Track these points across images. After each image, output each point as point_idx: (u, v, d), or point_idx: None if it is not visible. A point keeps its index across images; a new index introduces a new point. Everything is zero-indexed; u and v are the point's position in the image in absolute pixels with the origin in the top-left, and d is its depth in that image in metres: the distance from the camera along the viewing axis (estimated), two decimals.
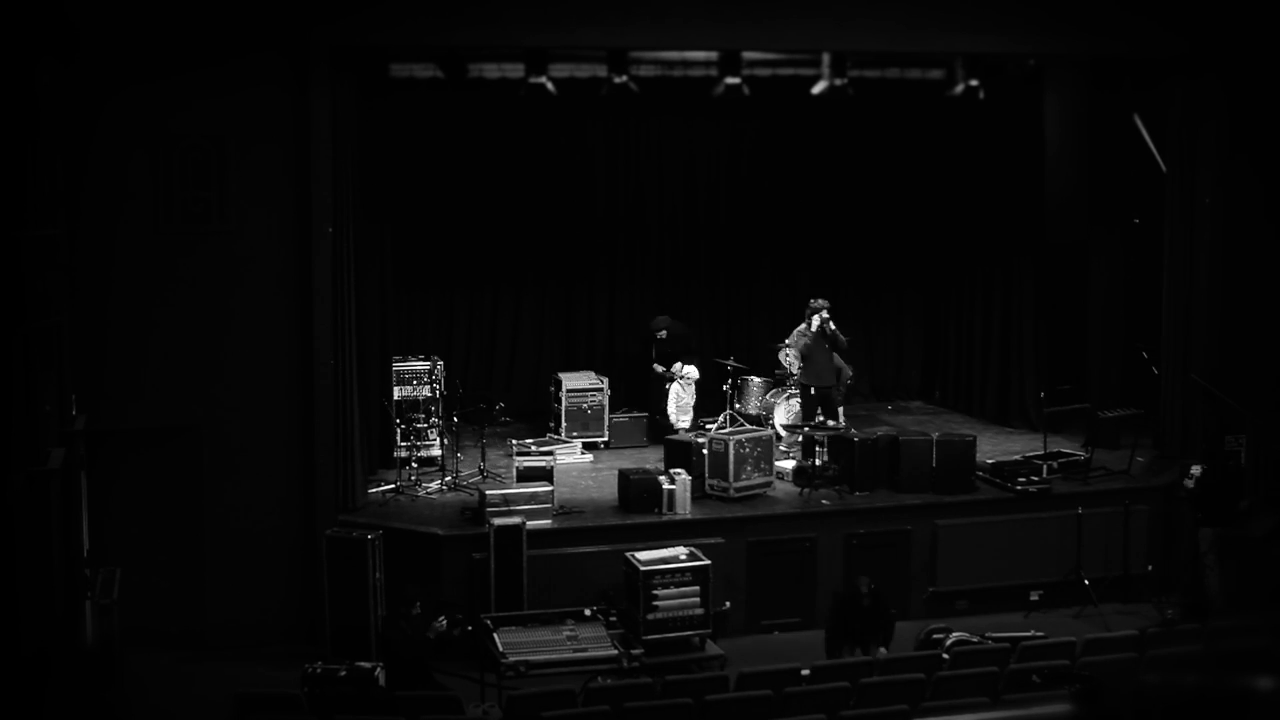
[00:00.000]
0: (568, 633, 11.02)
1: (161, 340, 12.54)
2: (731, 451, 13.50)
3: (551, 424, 16.01)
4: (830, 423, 14.79)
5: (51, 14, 10.55)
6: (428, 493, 13.81)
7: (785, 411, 16.04)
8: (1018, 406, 16.73)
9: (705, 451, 13.62)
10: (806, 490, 13.67)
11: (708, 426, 16.39)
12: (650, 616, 11.17)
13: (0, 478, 8.87)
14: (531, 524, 12.39)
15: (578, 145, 17.35)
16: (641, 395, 16.50)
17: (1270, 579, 13.29)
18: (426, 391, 15.00)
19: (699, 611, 11.40)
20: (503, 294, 17.34)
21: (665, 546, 11.88)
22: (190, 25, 12.28)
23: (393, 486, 13.90)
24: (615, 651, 10.93)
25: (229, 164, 12.52)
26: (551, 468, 13.74)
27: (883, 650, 11.23)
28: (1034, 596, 13.54)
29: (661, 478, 13.31)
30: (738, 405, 16.57)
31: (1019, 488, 13.78)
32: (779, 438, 15.89)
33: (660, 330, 16.14)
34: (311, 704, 9.88)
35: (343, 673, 10.48)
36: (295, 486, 12.86)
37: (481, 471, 14.31)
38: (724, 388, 16.63)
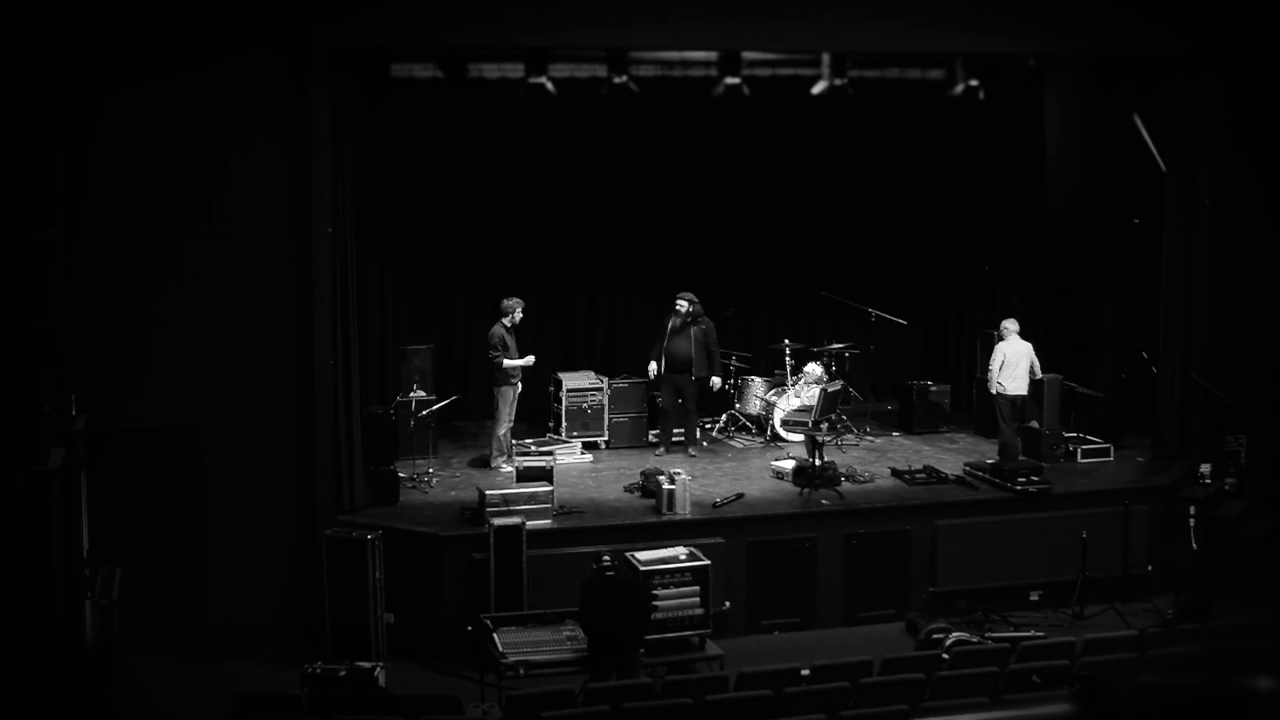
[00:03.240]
0: (567, 633, 11.00)
1: (161, 340, 12.54)
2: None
3: (551, 424, 16.01)
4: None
5: (51, 14, 10.55)
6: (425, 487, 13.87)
7: (783, 411, 16.04)
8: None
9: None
10: (806, 490, 13.66)
11: (708, 427, 16.42)
12: (650, 617, 11.15)
13: (0, 478, 8.86)
14: (531, 524, 12.39)
15: (578, 145, 17.37)
16: None
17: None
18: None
19: (699, 611, 11.39)
20: (503, 294, 17.31)
21: (665, 546, 11.88)
22: (189, 25, 12.28)
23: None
24: None
25: (229, 164, 12.52)
26: (551, 468, 13.74)
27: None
28: (1034, 596, 13.54)
29: (661, 477, 13.32)
30: (738, 405, 16.59)
31: (1019, 488, 13.78)
32: (778, 438, 15.92)
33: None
34: (311, 704, 9.87)
35: (342, 673, 10.48)
36: (295, 486, 12.86)
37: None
38: (725, 387, 16.65)
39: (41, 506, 9.53)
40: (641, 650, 10.80)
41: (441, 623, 12.44)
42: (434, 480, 14.15)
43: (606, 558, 11.04)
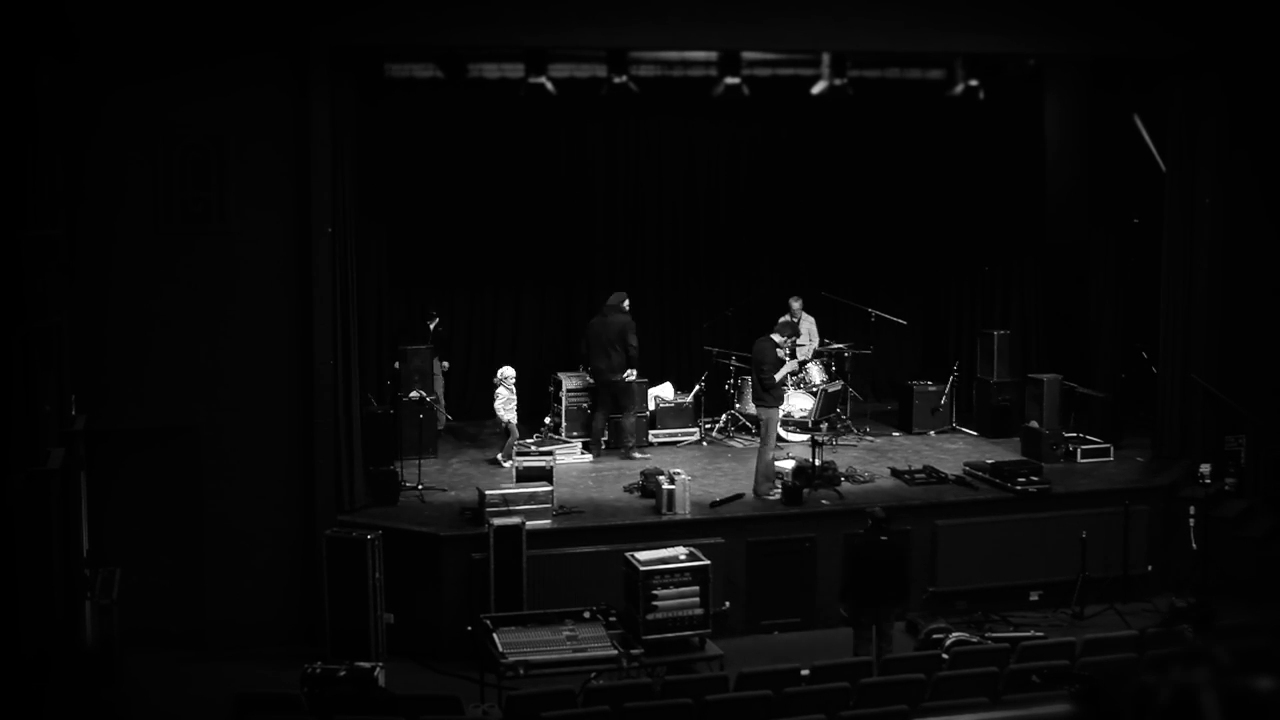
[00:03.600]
0: (567, 633, 11.00)
1: (161, 340, 12.54)
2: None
3: (548, 420, 15.99)
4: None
5: (51, 14, 10.56)
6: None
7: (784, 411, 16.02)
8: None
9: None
10: (806, 490, 13.65)
11: (707, 426, 16.42)
12: (650, 616, 11.15)
13: (0, 478, 8.86)
14: (531, 524, 12.39)
15: (578, 145, 17.38)
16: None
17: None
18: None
19: (699, 611, 11.36)
20: (502, 294, 17.36)
21: (665, 546, 11.87)
22: (189, 25, 12.28)
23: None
24: (615, 651, 10.91)
25: (229, 164, 12.52)
26: (551, 468, 13.73)
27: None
28: (1034, 596, 13.54)
29: (661, 477, 13.33)
30: (738, 405, 16.58)
31: (1019, 488, 13.78)
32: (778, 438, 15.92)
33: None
34: (311, 704, 9.87)
35: (342, 673, 10.47)
36: (295, 486, 12.86)
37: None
38: (725, 387, 16.66)
39: (41, 506, 9.53)
40: (899, 608, 11.63)
41: (441, 623, 12.44)
42: (422, 489, 13.94)
43: (879, 509, 11.60)
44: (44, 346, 9.92)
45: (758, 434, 15.91)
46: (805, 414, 15.95)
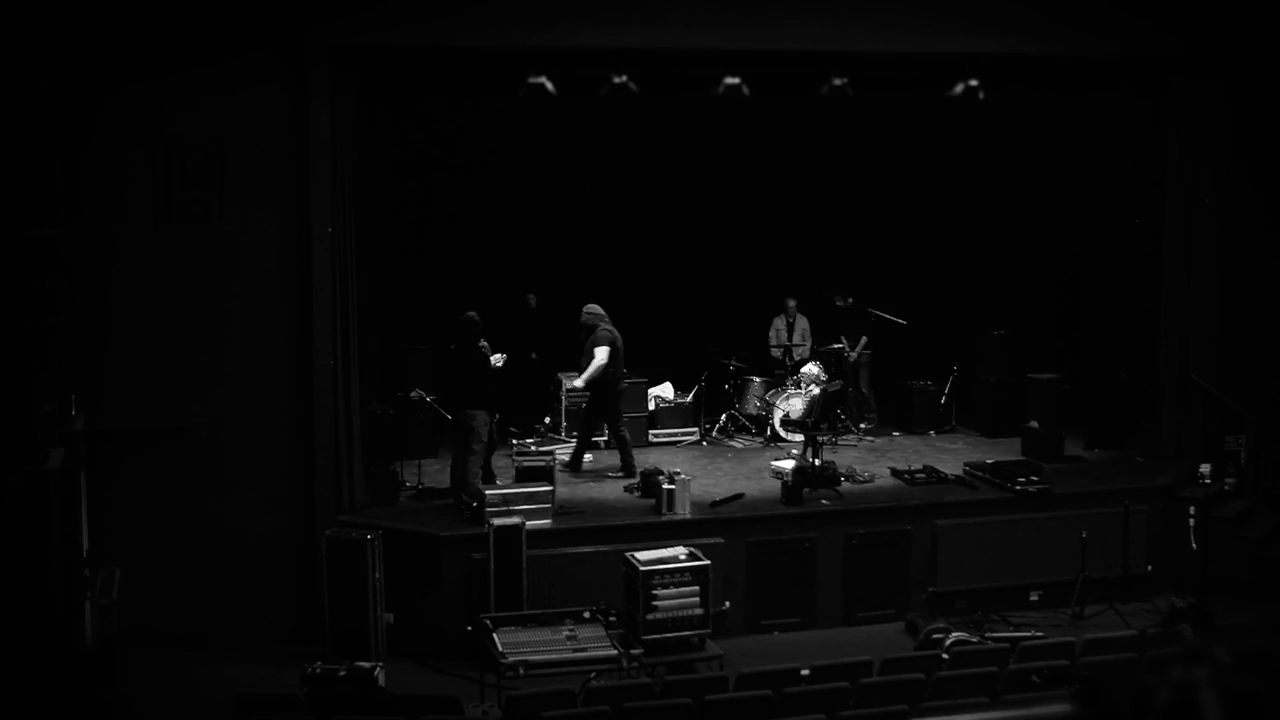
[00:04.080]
0: (567, 633, 11.01)
1: (161, 340, 12.54)
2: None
3: (547, 420, 15.97)
4: None
5: (51, 14, 10.56)
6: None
7: (782, 411, 16.03)
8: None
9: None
10: (806, 490, 13.65)
11: (707, 427, 16.42)
12: (650, 616, 11.15)
13: (0, 478, 8.86)
14: (531, 524, 12.39)
15: (577, 145, 17.37)
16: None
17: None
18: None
19: (698, 611, 11.37)
20: (502, 293, 17.33)
21: (665, 546, 11.87)
22: (190, 25, 12.28)
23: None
24: (615, 651, 10.91)
25: (229, 164, 12.52)
26: (551, 467, 13.72)
27: None
28: (1034, 596, 13.54)
29: (661, 477, 13.33)
30: (738, 405, 16.59)
31: (1019, 488, 13.77)
32: (777, 438, 15.92)
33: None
34: (311, 704, 9.87)
35: (342, 673, 10.48)
36: (295, 487, 12.86)
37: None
38: (725, 387, 16.66)
39: (41, 506, 9.52)
40: None
41: (441, 623, 12.44)
42: (421, 486, 13.97)
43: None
44: (44, 346, 9.91)
45: (758, 434, 15.98)
46: (802, 414, 15.94)
